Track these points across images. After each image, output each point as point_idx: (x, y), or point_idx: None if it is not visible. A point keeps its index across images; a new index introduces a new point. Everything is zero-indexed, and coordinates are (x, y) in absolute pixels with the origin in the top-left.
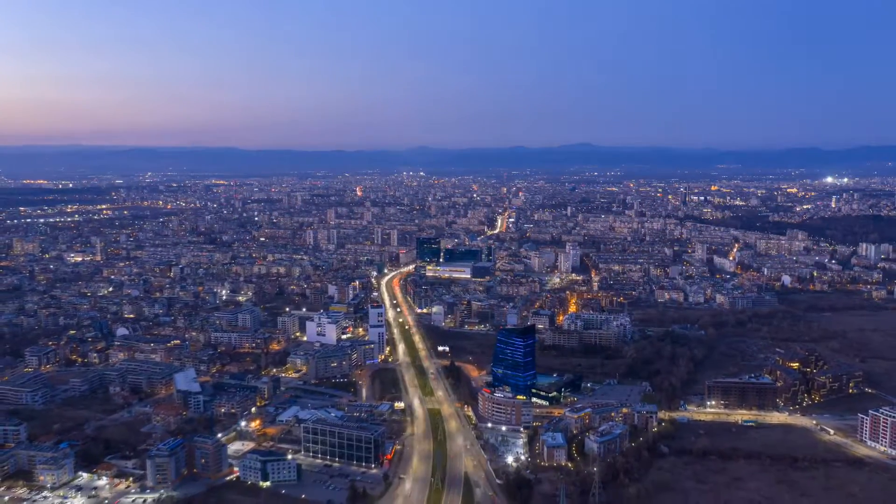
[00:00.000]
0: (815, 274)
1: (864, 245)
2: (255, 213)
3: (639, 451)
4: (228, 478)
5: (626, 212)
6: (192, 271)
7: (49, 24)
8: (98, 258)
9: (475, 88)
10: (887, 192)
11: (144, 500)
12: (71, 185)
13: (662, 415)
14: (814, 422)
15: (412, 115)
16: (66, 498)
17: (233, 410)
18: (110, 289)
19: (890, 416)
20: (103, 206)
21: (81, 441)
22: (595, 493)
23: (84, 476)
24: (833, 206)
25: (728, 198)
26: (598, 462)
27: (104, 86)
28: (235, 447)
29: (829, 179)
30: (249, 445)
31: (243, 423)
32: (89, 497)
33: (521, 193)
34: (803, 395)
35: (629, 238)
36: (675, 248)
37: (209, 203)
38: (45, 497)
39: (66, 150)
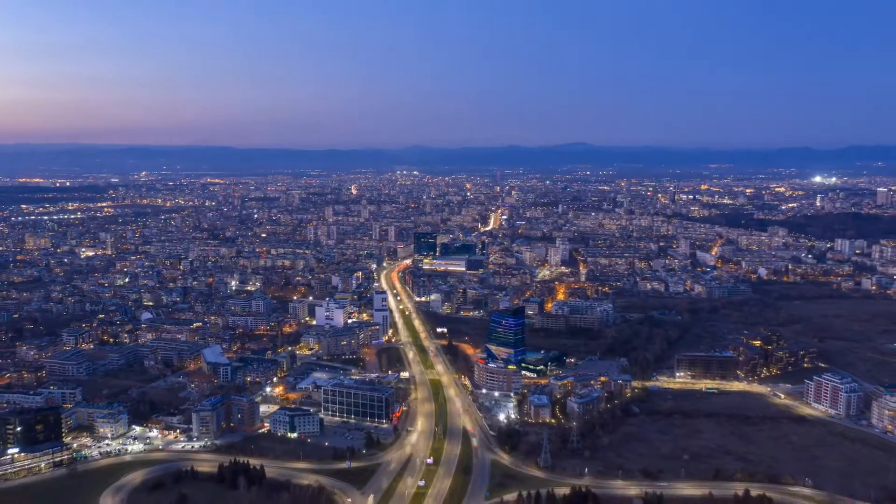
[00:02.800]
0: (790, 267)
1: (840, 240)
2: (255, 211)
3: (613, 411)
4: (261, 430)
5: (617, 210)
6: (201, 264)
7: (40, 24)
8: (109, 252)
9: (469, 87)
10: (871, 192)
11: (192, 447)
12: (69, 184)
13: (636, 384)
14: (768, 389)
15: (405, 114)
16: (125, 445)
17: (257, 379)
18: (126, 280)
19: (831, 381)
20: (104, 204)
21: (129, 403)
22: (573, 441)
23: (137, 429)
24: (818, 204)
25: (717, 196)
26: (578, 418)
27: (95, 85)
28: (262, 410)
29: (818, 179)
30: (274, 408)
31: (268, 389)
32: (145, 444)
33: (513, 192)
34: (762, 368)
35: (617, 234)
36: (661, 244)
37: (208, 201)
38: (107, 444)
39: (58, 148)
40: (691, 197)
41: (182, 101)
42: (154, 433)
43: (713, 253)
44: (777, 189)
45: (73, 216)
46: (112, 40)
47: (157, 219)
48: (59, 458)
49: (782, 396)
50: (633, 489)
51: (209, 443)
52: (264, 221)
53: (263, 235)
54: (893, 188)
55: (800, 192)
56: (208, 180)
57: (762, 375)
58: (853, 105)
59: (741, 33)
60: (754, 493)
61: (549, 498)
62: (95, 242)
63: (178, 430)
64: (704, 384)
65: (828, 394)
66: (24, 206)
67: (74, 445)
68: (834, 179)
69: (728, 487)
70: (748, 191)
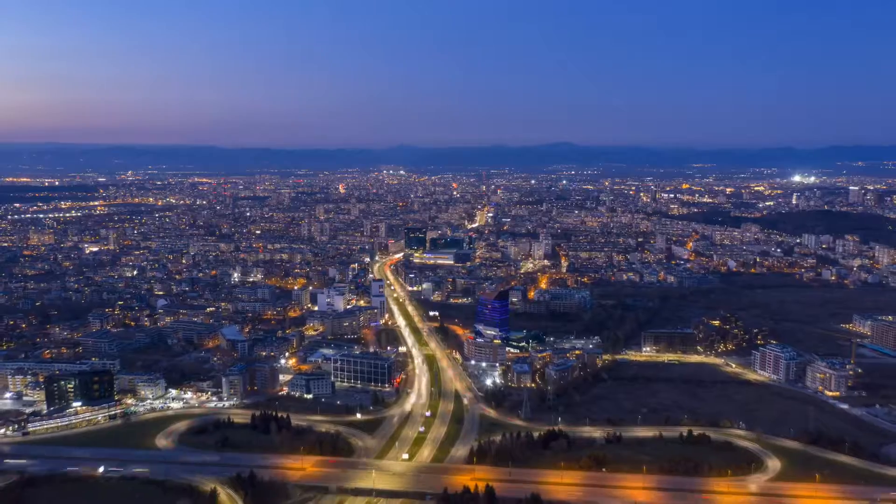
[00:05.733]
0: (758, 259)
1: (806, 235)
2: (247, 210)
3: (585, 377)
4: (280, 393)
5: (599, 208)
6: (202, 258)
7: (23, 26)
8: (112, 247)
9: (455, 87)
10: (847, 190)
11: (224, 405)
12: (57, 183)
13: (607, 357)
14: (722, 360)
15: (392, 113)
16: (165, 403)
17: (272, 354)
18: (135, 272)
19: (773, 351)
20: (96, 203)
21: (161, 372)
22: (550, 399)
23: (173, 392)
24: (794, 202)
25: (697, 195)
26: (554, 382)
27: (80, 85)
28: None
29: (797, 178)
30: (289, 377)
31: (282, 362)
32: (183, 403)
33: (499, 191)
34: (719, 344)
35: (598, 231)
36: (640, 240)
37: (199, 200)
38: (150, 403)
39: (41, 147)
40: (672, 196)
41: (166, 100)
42: (189, 395)
43: (688, 247)
44: (756, 188)
45: (68, 214)
46: (92, 42)
47: (151, 217)
48: (113, 412)
49: (733, 366)
50: (597, 432)
51: (238, 402)
52: (258, 219)
53: (258, 232)
54: (868, 187)
55: (778, 191)
56: (196, 179)
57: (719, 350)
58: (835, 106)
59: (726, 36)
60: (696, 432)
61: (527, 436)
62: (97, 239)
63: (209, 393)
64: (667, 357)
65: (771, 362)
66: (17, 205)
67: (122, 403)
68: (813, 179)
69: (675, 430)
70: (728, 190)
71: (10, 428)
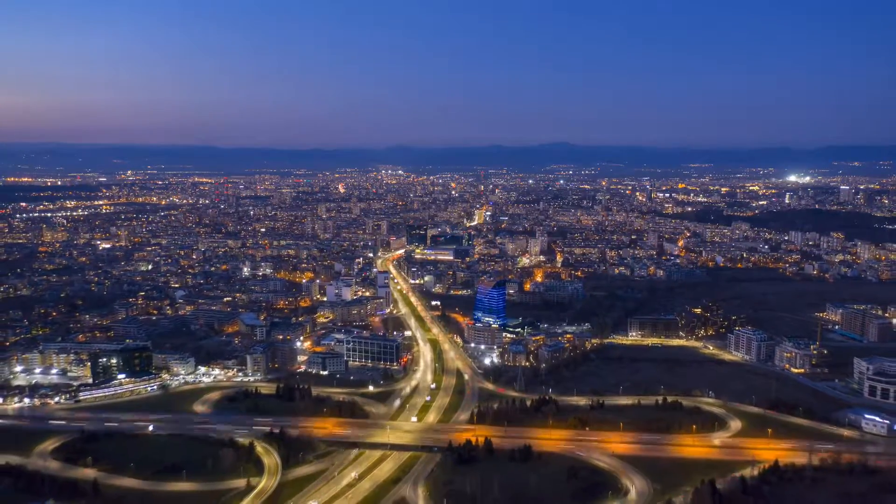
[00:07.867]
0: (745, 255)
1: (793, 233)
2: (250, 209)
3: (575, 357)
4: (299, 370)
5: (595, 207)
6: (212, 253)
7: (22, 28)
8: (124, 244)
9: (453, 88)
10: (838, 190)
11: (249, 379)
12: (59, 183)
13: (595, 341)
14: (701, 343)
15: (389, 113)
16: (197, 378)
17: (288, 337)
18: (149, 266)
19: (746, 333)
20: (100, 202)
21: (189, 353)
22: (542, 375)
23: (202, 369)
24: (787, 201)
25: (692, 195)
26: (546, 361)
27: (77, 86)
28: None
29: (793, 178)
30: (305, 357)
31: (298, 344)
32: (213, 378)
33: (497, 190)
34: (699, 329)
35: (593, 228)
36: (633, 237)
37: (201, 199)
38: (183, 377)
39: (40, 147)
40: (668, 195)
41: (164, 100)
42: (217, 371)
43: (679, 244)
44: (751, 188)
45: (75, 213)
46: (91, 43)
47: (157, 215)
48: (153, 384)
49: (711, 348)
50: (583, 400)
51: (262, 377)
52: (261, 218)
53: (262, 230)
54: (861, 186)
55: (772, 191)
56: (196, 179)
57: (699, 335)
58: (832, 106)
59: (723, 36)
60: (670, 399)
61: (521, 403)
62: (108, 236)
63: (234, 370)
64: (651, 341)
65: (744, 343)
66: (23, 204)
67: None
68: (808, 178)
69: (651, 398)
70: (723, 189)
71: (63, 396)
